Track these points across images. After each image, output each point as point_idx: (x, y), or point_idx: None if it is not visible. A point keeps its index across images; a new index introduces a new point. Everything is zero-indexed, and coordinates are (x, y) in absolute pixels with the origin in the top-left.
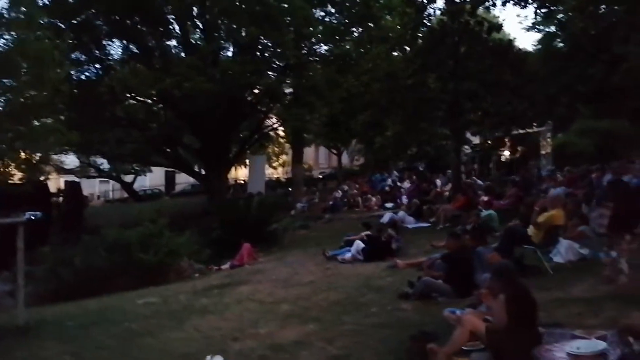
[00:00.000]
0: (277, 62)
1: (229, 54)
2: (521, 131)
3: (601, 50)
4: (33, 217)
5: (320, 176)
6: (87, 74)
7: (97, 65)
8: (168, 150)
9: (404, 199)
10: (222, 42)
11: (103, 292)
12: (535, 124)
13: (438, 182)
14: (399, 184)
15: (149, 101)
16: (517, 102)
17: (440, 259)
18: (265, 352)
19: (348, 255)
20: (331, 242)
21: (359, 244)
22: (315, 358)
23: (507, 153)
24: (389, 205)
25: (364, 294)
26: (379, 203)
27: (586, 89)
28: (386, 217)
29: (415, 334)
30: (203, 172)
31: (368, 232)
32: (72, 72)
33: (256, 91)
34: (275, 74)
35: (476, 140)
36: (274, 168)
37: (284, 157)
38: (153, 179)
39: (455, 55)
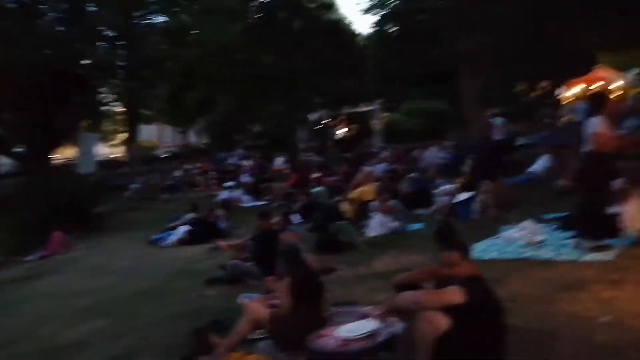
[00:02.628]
0: (108, 32)
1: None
2: (356, 110)
3: (429, 34)
4: None
5: (166, 155)
6: None
7: None
8: None
9: (245, 178)
10: (39, 6)
11: None
12: (367, 103)
13: (279, 160)
14: (241, 162)
15: None
16: (351, 81)
17: (251, 239)
18: (39, 358)
19: (172, 239)
20: (161, 225)
21: (184, 226)
22: None
23: (343, 131)
24: (230, 184)
25: (175, 280)
26: (219, 182)
27: (416, 72)
28: (222, 196)
29: (199, 327)
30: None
31: (194, 214)
32: None
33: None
34: (107, 45)
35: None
36: (114, 147)
37: (125, 136)
38: None
39: (289, 32)
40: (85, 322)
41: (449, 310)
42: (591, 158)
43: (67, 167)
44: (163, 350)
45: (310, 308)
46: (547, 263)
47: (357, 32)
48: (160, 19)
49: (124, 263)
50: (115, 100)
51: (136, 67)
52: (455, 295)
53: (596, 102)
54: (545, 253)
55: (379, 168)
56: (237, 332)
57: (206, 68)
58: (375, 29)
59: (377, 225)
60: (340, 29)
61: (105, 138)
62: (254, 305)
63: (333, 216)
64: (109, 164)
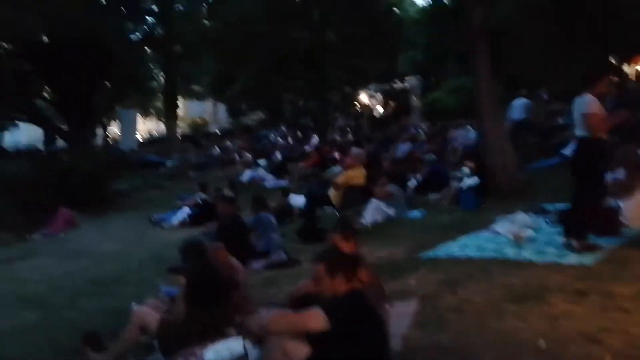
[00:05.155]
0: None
1: None
2: (395, 87)
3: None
4: None
5: (218, 132)
6: None
7: None
8: (21, 101)
9: (277, 156)
10: None
11: None
12: (406, 80)
13: (315, 138)
14: (279, 140)
15: None
16: (384, 59)
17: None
18: None
19: (175, 220)
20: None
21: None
22: None
23: (380, 109)
24: (262, 162)
25: (144, 267)
26: (254, 160)
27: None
28: (245, 175)
29: (92, 330)
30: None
31: (202, 195)
32: None
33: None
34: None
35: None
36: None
37: (178, 112)
38: (32, 134)
39: (319, 4)
40: (16, 315)
41: (310, 335)
42: (583, 144)
43: (108, 143)
44: (57, 354)
45: (205, 314)
46: (523, 264)
47: (394, 6)
48: None
49: (110, 246)
50: (155, 77)
51: (170, 42)
52: (313, 320)
53: (589, 77)
54: (526, 252)
55: (402, 148)
56: (120, 341)
57: (227, 42)
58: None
59: (372, 212)
60: (375, 2)
61: (156, 114)
62: (143, 310)
63: (319, 201)
64: (152, 140)
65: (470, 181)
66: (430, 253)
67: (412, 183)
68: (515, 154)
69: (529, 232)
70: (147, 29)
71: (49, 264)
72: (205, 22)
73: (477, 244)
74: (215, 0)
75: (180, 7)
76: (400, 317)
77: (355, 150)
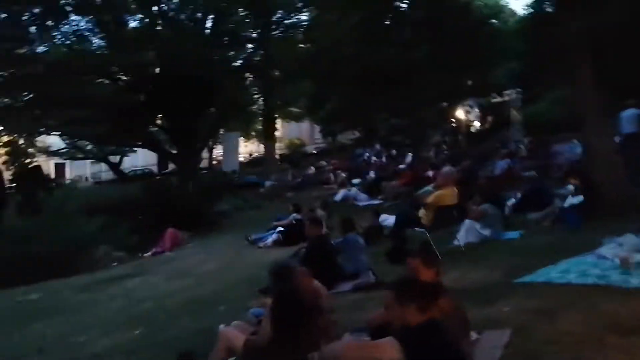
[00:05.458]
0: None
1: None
2: (492, 100)
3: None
4: None
5: (315, 152)
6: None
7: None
8: (137, 129)
9: (371, 175)
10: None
11: None
12: (504, 93)
13: (409, 156)
14: (373, 158)
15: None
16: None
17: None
18: None
19: (269, 240)
20: (268, 224)
21: (281, 228)
22: None
23: (477, 124)
24: (356, 181)
25: (237, 287)
26: (349, 179)
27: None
28: (339, 195)
29: (185, 351)
30: (175, 151)
31: (296, 215)
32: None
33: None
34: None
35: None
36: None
37: (277, 133)
38: (147, 158)
39: (410, 21)
40: (122, 332)
41: None
42: None
43: (213, 165)
44: None
45: (290, 337)
46: (631, 292)
47: (490, 17)
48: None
49: (210, 265)
50: (255, 101)
51: (268, 67)
52: (388, 350)
53: None
54: (635, 278)
55: (500, 165)
56: None
57: (320, 64)
58: (530, 10)
59: (465, 232)
60: (471, 12)
61: (257, 136)
62: (228, 331)
63: (409, 222)
64: (253, 162)
65: (575, 199)
66: (527, 278)
67: (510, 201)
68: (625, 169)
69: (639, 257)
70: (247, 56)
71: (156, 282)
72: (301, 46)
73: (580, 268)
74: (310, 25)
75: (278, 34)
76: (489, 348)
77: (445, 168)
